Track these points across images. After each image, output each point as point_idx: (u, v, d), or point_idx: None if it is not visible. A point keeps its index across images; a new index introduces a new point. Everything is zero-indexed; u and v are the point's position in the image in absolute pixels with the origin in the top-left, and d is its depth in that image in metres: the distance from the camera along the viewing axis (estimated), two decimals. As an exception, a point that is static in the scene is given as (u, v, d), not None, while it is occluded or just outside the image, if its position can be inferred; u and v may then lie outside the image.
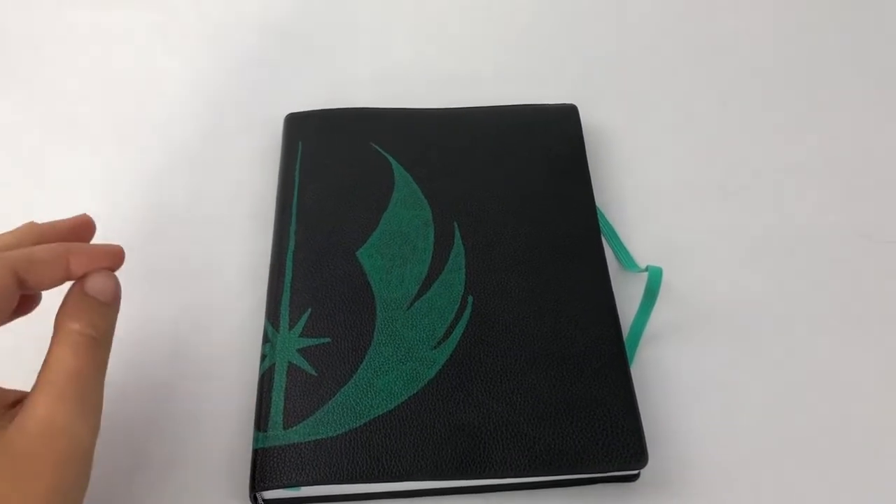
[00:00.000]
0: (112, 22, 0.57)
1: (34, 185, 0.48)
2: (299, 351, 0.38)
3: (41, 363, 0.31)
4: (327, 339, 0.39)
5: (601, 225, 0.44)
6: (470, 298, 0.40)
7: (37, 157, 0.49)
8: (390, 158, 0.46)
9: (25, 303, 0.33)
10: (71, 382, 0.30)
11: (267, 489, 0.34)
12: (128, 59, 0.55)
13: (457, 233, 0.43)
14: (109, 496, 0.36)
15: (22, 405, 0.30)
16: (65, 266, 0.32)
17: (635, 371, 0.40)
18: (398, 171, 0.45)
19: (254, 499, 0.35)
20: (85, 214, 0.36)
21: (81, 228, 0.35)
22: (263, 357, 0.38)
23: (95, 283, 0.32)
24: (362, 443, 0.35)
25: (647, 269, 0.41)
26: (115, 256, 0.34)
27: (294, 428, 0.36)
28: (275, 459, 0.35)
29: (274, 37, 0.56)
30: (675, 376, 0.40)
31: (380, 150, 0.46)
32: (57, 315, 0.32)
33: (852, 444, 0.38)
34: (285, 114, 0.49)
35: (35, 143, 0.50)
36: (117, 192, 0.47)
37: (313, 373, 0.37)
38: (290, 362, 0.38)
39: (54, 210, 0.46)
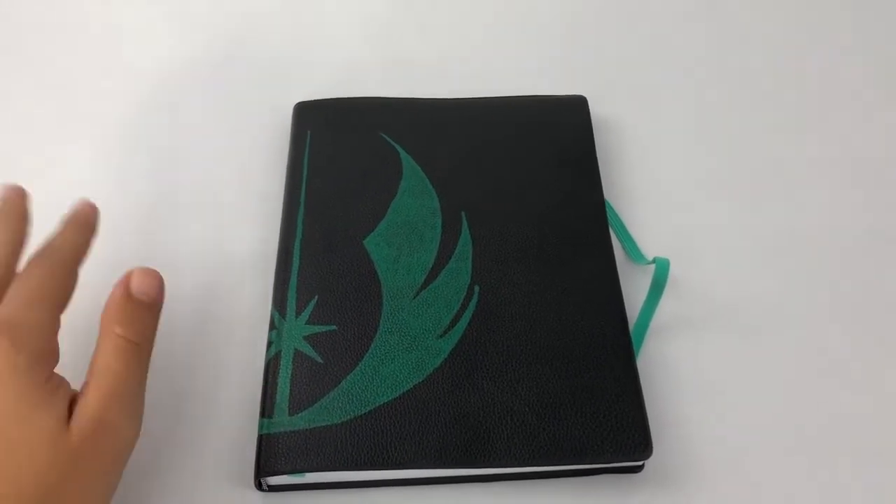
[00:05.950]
0: (123, 10, 0.57)
1: (44, 171, 0.48)
2: (305, 338, 0.38)
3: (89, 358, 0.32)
4: (334, 327, 0.39)
5: (609, 217, 0.44)
6: (476, 288, 0.40)
7: (47, 143, 0.49)
8: (399, 148, 0.46)
9: None
10: (117, 384, 0.31)
11: (272, 475, 0.35)
12: (138, 46, 0.55)
13: (464, 222, 0.43)
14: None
15: (76, 404, 0.31)
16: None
17: (641, 363, 0.40)
18: (406, 160, 0.45)
19: (259, 484, 0.35)
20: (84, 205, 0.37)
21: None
22: (270, 344, 0.38)
23: (139, 283, 0.33)
24: (367, 430, 0.35)
25: (654, 260, 0.41)
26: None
27: (299, 414, 0.36)
28: (280, 445, 0.35)
29: (284, 24, 0.56)
30: (681, 369, 0.40)
31: (388, 139, 0.46)
32: (102, 314, 0.32)
33: (857, 441, 0.38)
34: (295, 102, 0.49)
35: (45, 129, 0.50)
36: (126, 179, 0.47)
37: (319, 360, 0.38)
38: (296, 349, 0.38)
39: (63, 197, 0.46)
